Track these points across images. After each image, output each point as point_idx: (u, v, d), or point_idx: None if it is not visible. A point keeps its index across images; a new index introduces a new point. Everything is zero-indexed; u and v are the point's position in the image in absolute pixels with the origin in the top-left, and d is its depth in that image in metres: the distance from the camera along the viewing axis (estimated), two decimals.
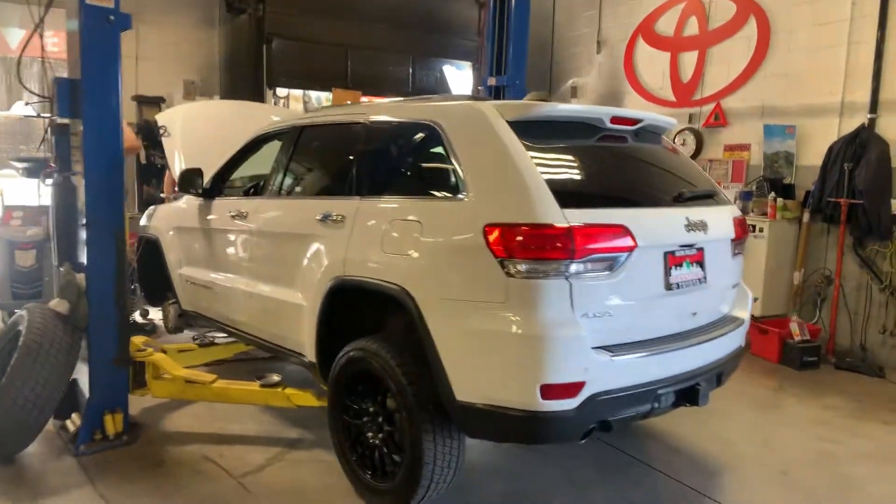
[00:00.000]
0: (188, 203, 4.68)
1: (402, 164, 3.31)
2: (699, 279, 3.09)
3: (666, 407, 2.93)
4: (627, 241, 2.67)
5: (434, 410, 2.79)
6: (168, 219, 4.98)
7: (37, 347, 3.49)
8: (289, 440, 3.92)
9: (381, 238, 2.98)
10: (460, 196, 2.79)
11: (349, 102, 9.11)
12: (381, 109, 3.55)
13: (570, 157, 2.98)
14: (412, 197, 3.04)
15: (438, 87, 10.21)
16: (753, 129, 6.73)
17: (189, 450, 3.78)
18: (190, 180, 4.31)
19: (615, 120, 3.09)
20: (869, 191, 5.57)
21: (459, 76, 10.51)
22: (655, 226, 2.88)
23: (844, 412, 4.67)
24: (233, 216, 4.12)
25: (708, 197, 3.28)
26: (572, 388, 2.54)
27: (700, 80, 7.39)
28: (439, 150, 2.98)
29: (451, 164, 2.87)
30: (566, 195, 2.66)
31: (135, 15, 7.90)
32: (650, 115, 3.31)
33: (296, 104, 9.20)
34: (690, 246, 3.02)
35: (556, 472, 3.58)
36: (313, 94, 9.33)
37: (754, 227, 5.96)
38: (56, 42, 7.74)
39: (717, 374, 3.17)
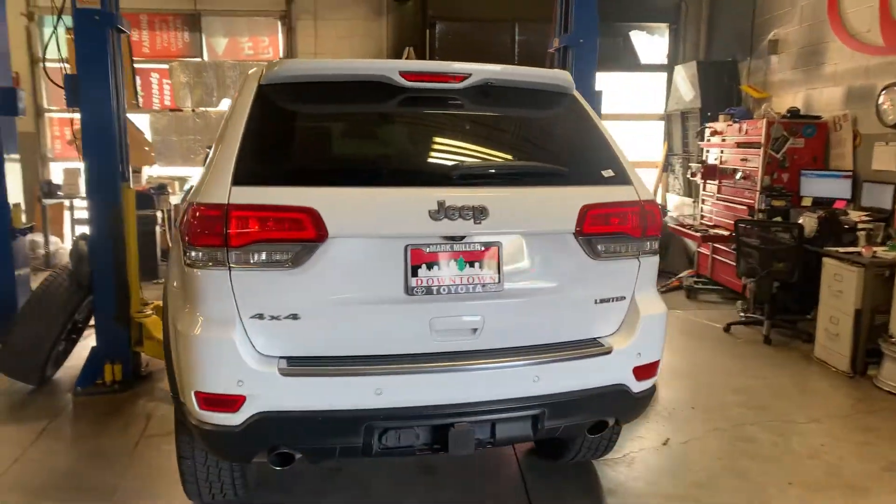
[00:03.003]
0: None
1: None
2: (484, 284, 2.27)
3: (419, 446, 2.25)
4: (310, 229, 2.11)
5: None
6: None
7: (40, 294, 4.23)
8: None
9: None
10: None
11: None
12: None
13: (332, 126, 2.48)
14: None
15: (624, 57, 9.09)
16: None
17: (159, 406, 4.15)
18: None
19: (416, 77, 2.42)
20: None
21: (651, 42, 9.19)
22: (379, 211, 2.21)
23: None
24: None
25: (539, 175, 2.38)
26: (230, 402, 2.14)
27: None
28: None
29: None
30: (266, 171, 2.22)
31: (313, 13, 8.87)
32: (490, 67, 2.50)
33: None
34: (457, 239, 2.23)
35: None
36: None
37: None
38: (251, 46, 9.02)
39: (533, 416, 2.31)
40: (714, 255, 7.31)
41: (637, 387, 2.47)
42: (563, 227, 2.33)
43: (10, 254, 4.79)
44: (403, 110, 2.50)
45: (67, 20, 4.58)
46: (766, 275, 5.52)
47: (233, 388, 2.12)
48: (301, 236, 2.12)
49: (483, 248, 2.26)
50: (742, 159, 6.76)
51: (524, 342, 2.34)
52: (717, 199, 7.39)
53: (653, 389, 2.59)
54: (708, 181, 7.56)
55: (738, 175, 6.80)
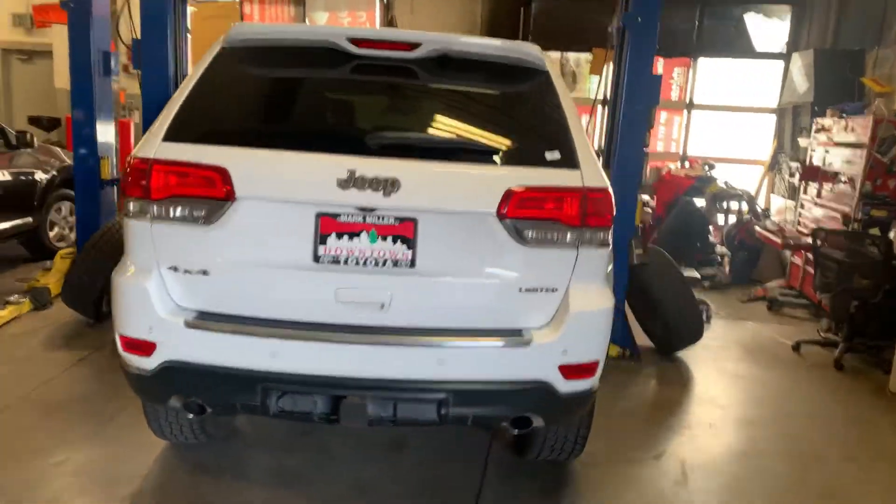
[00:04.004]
0: None
1: None
2: (396, 260, 2.19)
3: (318, 413, 2.25)
4: (220, 188, 2.15)
5: None
6: None
7: (98, 236, 4.69)
8: None
9: None
10: None
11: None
12: None
13: (267, 89, 2.53)
14: None
15: (736, 42, 8.34)
16: None
17: None
18: None
19: (366, 44, 2.39)
20: None
21: (768, 27, 8.36)
22: (287, 175, 2.18)
23: None
24: None
25: (465, 151, 2.25)
26: (144, 347, 2.24)
27: None
28: None
29: None
30: (194, 130, 2.27)
31: None
32: (446, 38, 2.39)
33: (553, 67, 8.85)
34: (369, 210, 2.17)
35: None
36: (571, 55, 8.82)
37: None
38: (350, 21, 9.29)
39: (437, 401, 2.22)
40: (806, 266, 6.60)
41: (564, 386, 2.29)
42: (484, 208, 2.18)
43: (98, 202, 5.32)
44: (352, 78, 2.47)
45: None
46: (843, 291, 4.90)
47: (144, 334, 2.22)
48: (212, 194, 2.16)
49: (397, 223, 2.18)
50: (845, 161, 6.02)
51: (435, 324, 2.24)
52: (816, 203, 6.65)
53: (588, 392, 2.38)
54: (809, 183, 6.83)
55: (839, 178, 6.07)
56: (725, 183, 8.13)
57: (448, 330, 2.24)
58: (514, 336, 2.24)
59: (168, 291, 2.24)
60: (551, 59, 2.66)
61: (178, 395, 2.29)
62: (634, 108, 4.58)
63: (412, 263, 2.20)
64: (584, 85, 8.93)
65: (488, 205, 2.18)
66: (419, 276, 2.21)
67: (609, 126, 4.81)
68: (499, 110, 2.55)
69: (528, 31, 8.74)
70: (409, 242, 2.19)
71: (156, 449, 3.11)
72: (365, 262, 2.19)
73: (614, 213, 2.38)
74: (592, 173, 2.31)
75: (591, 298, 2.32)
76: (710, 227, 7.97)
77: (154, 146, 2.24)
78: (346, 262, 2.18)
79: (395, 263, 2.19)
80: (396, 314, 2.22)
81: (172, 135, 2.25)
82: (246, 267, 2.22)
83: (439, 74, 2.45)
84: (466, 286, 2.25)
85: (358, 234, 2.19)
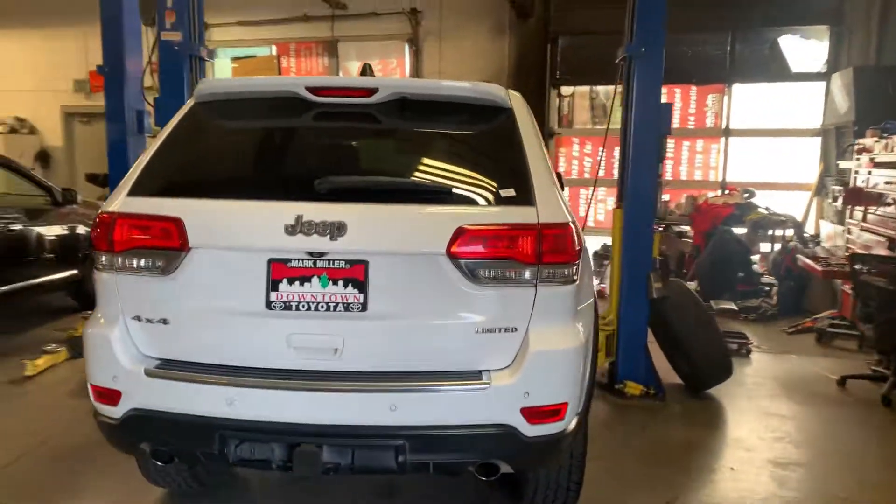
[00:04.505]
0: None
1: None
2: (348, 304, 2.17)
3: (277, 461, 2.22)
4: (175, 238, 2.20)
5: None
6: None
7: None
8: None
9: None
10: None
11: None
12: None
13: (225, 141, 2.60)
14: None
15: (769, 65, 8.08)
16: None
17: None
18: None
19: (323, 91, 2.44)
20: None
21: (804, 48, 8.06)
22: (236, 223, 2.21)
23: None
24: None
25: (413, 193, 2.25)
26: (111, 395, 2.29)
27: None
28: None
29: None
30: (155, 183, 2.35)
31: (438, 35, 9.16)
32: (402, 81, 2.43)
33: (582, 101, 8.79)
34: (318, 255, 2.17)
35: None
36: (601, 88, 8.74)
37: None
38: (380, 69, 9.55)
39: (394, 447, 2.16)
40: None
41: (530, 431, 2.19)
42: (434, 248, 2.14)
43: None
44: (312, 125, 2.52)
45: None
46: (886, 321, 4.57)
47: (110, 383, 2.27)
48: (168, 245, 2.21)
49: (348, 266, 2.17)
50: (886, 182, 5.69)
51: (389, 368, 2.20)
52: (862, 228, 6.28)
53: (559, 437, 2.27)
54: (854, 207, 6.47)
55: (884, 200, 5.73)
56: (767, 209, 7.81)
57: (402, 374, 2.19)
58: (471, 379, 2.17)
59: (133, 341, 2.29)
60: (518, 97, 2.63)
61: (144, 442, 2.32)
62: (644, 138, 4.48)
63: (364, 307, 2.17)
64: (616, 116, 8.83)
65: (438, 245, 2.15)
66: (371, 320, 2.18)
67: (621, 158, 4.71)
68: (456, 150, 2.54)
69: (556, 68, 8.76)
70: (361, 286, 2.18)
71: (151, 496, 3.15)
72: (317, 307, 2.18)
73: (581, 248, 2.30)
74: (550, 209, 2.25)
75: (555, 338, 2.23)
76: (754, 256, 7.64)
77: (118, 200, 2.33)
78: (297, 307, 2.18)
79: (347, 307, 2.17)
80: (350, 359, 2.20)
81: (136, 189, 2.33)
82: (203, 315, 2.25)
83: (399, 118, 2.47)
84: (420, 329, 2.20)
85: (309, 279, 2.19)
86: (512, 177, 2.31)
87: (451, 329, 2.20)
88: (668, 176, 8.52)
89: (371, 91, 2.41)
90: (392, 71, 9.47)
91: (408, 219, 2.20)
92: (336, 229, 2.13)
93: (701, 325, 4.57)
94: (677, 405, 4.53)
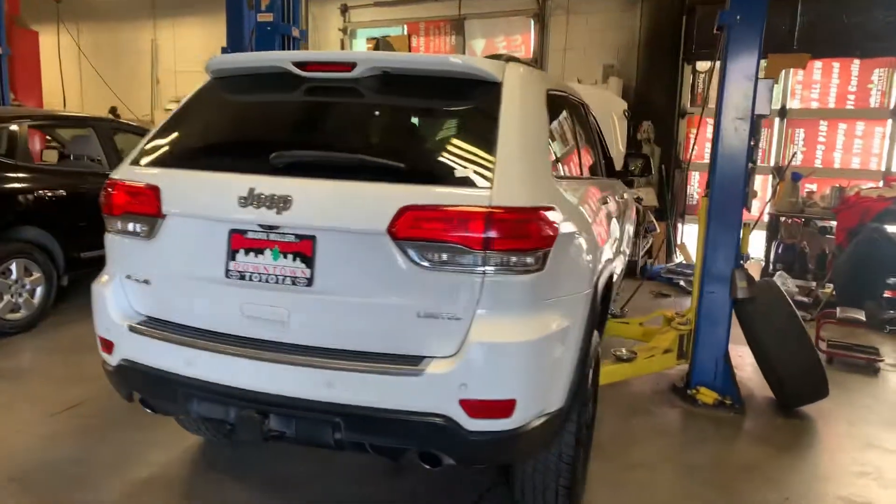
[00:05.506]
0: None
1: None
2: (295, 277, 2.17)
3: (229, 422, 2.30)
4: (154, 205, 2.34)
5: None
6: None
7: None
8: None
9: None
10: None
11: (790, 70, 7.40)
12: None
13: (216, 114, 2.66)
14: None
15: None
16: None
17: None
18: None
19: (310, 66, 2.45)
20: None
21: None
22: (203, 193, 2.28)
23: None
24: None
25: (362, 169, 2.16)
26: (108, 345, 2.51)
27: None
28: None
29: None
30: (151, 153, 2.51)
31: (566, 8, 8.80)
32: (384, 55, 2.34)
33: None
34: (270, 228, 2.18)
35: None
36: None
37: None
38: (505, 46, 9.39)
39: (331, 424, 2.14)
40: None
41: (471, 425, 2.06)
42: (375, 228, 2.05)
43: None
44: (300, 100, 2.53)
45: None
46: None
47: (105, 334, 2.50)
48: (149, 211, 2.36)
49: (297, 241, 2.16)
50: None
51: (330, 344, 2.16)
52: None
53: (506, 434, 2.10)
54: None
55: None
56: None
57: (341, 351, 2.16)
58: (407, 364, 2.09)
59: (127, 297, 2.49)
60: (517, 72, 2.44)
61: (133, 391, 2.52)
62: (733, 118, 3.97)
63: (310, 282, 2.16)
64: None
65: (379, 224, 2.07)
66: (316, 295, 2.16)
67: (713, 141, 4.23)
68: (427, 127, 2.42)
69: (692, 42, 8.01)
70: (308, 261, 2.17)
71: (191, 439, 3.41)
72: (267, 279, 2.20)
73: (548, 235, 2.11)
74: (511, 191, 2.07)
75: (503, 330, 2.07)
76: None
77: (122, 169, 2.53)
78: (251, 277, 2.22)
79: (294, 281, 2.18)
80: (295, 332, 2.20)
81: (137, 159, 2.52)
82: (175, 278, 2.38)
83: (380, 93, 2.40)
84: (362, 308, 2.14)
85: (262, 251, 2.22)
86: (474, 156, 2.16)
87: (391, 311, 2.12)
88: (796, 161, 7.50)
89: (351, 65, 2.38)
90: (517, 48, 9.26)
91: (352, 195, 2.14)
92: (282, 203, 2.13)
93: (789, 334, 4.00)
94: (755, 420, 4.03)
